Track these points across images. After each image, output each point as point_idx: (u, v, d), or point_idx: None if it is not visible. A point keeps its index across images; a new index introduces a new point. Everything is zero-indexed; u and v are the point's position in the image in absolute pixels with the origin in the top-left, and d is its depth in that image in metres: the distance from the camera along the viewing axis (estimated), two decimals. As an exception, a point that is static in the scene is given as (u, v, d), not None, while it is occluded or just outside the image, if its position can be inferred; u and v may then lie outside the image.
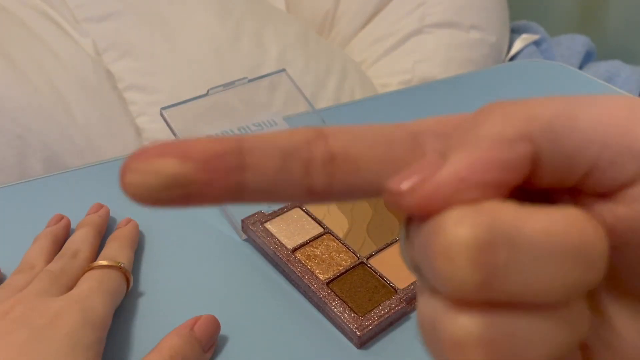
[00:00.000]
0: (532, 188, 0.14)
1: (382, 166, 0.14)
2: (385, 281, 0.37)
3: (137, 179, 0.13)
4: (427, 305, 0.13)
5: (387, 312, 0.35)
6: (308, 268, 0.37)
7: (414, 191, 0.13)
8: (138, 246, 0.40)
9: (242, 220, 0.41)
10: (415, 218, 0.13)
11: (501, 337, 0.12)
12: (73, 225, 0.41)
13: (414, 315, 0.37)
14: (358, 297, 0.36)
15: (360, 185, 0.14)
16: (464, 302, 0.12)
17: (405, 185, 0.13)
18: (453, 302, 0.12)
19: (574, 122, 0.13)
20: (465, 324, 0.12)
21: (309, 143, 0.14)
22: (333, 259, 0.38)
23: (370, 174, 0.14)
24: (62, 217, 0.41)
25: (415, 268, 0.14)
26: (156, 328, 0.34)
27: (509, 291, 0.12)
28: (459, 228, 0.12)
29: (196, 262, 0.40)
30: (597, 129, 0.13)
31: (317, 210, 0.42)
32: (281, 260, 0.38)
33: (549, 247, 0.12)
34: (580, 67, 0.94)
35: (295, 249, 0.39)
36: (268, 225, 0.41)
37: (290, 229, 0.41)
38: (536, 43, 0.95)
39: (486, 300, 0.12)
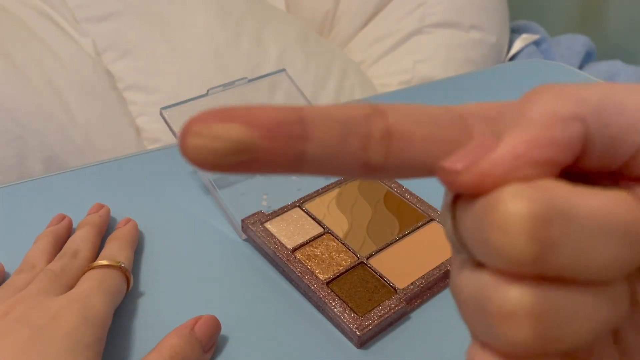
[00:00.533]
0: (576, 171, 0.14)
1: (434, 145, 0.14)
2: (385, 281, 0.37)
3: (201, 142, 0.13)
4: (471, 280, 0.14)
5: (387, 312, 0.35)
6: (308, 268, 0.37)
7: (469, 169, 0.13)
8: (138, 246, 0.40)
9: (242, 220, 0.41)
10: (464, 196, 0.14)
11: (550, 310, 0.12)
12: (74, 225, 0.41)
13: (414, 315, 0.37)
14: (358, 297, 0.36)
15: (413, 162, 0.14)
16: (514, 275, 0.13)
17: (461, 163, 0.13)
18: (503, 275, 0.13)
19: (621, 105, 0.14)
20: (516, 296, 0.12)
21: (368, 118, 0.14)
22: (333, 259, 0.38)
23: (423, 152, 0.14)
24: (63, 217, 0.41)
25: (460, 245, 0.14)
26: (156, 328, 0.34)
27: (561, 266, 0.12)
28: (517, 202, 0.12)
29: (196, 262, 0.40)
30: None
31: (317, 210, 0.42)
32: (281, 260, 0.38)
33: (601, 225, 0.12)
34: (580, 67, 0.94)
35: (295, 249, 0.39)
36: (268, 225, 0.41)
37: (290, 228, 0.41)
38: (536, 43, 0.95)
39: (537, 273, 0.12)
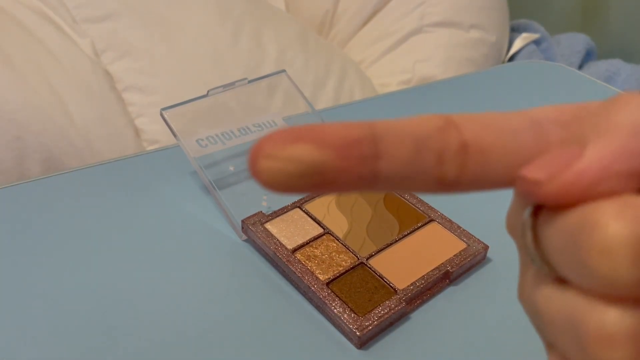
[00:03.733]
0: None
1: (511, 156, 0.14)
2: (385, 281, 0.37)
3: (274, 165, 0.12)
4: (557, 298, 0.13)
5: (387, 313, 0.35)
6: (308, 268, 0.37)
7: (553, 179, 0.13)
8: (138, 245, 0.40)
9: (242, 221, 0.41)
10: (548, 208, 0.13)
11: None
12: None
13: (413, 315, 0.36)
14: (358, 298, 0.36)
15: (489, 175, 0.14)
16: (612, 296, 0.12)
17: (543, 173, 0.13)
18: (600, 296, 0.12)
19: None
20: (615, 318, 0.12)
21: (442, 131, 0.13)
22: (333, 260, 0.38)
23: (500, 164, 0.14)
24: None
25: (542, 260, 0.14)
26: (156, 327, 0.34)
27: None
28: (620, 223, 0.11)
29: (196, 263, 0.40)
30: None
31: (317, 210, 0.42)
32: (281, 261, 0.38)
33: None
34: (581, 66, 0.94)
35: (295, 250, 0.39)
36: (268, 226, 0.40)
37: (290, 229, 0.40)
38: (536, 42, 0.95)
39: (636, 297, 0.12)
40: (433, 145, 0.13)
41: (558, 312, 0.13)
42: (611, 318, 0.12)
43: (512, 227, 0.15)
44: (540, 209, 0.14)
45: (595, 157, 0.13)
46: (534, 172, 0.13)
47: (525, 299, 0.15)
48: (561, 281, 0.13)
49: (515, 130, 0.14)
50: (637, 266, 0.11)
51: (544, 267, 0.14)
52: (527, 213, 0.14)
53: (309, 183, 0.13)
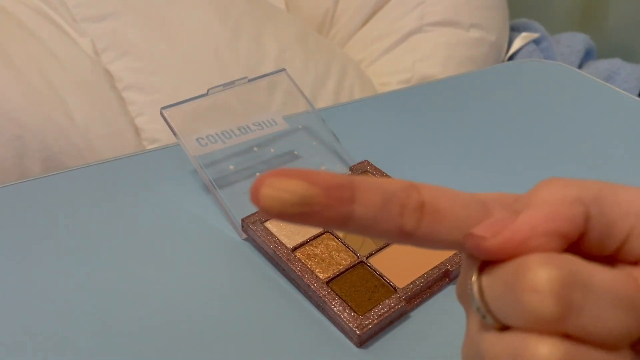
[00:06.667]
0: (579, 255, 0.16)
1: (460, 221, 0.17)
2: (385, 280, 0.37)
3: (272, 193, 0.16)
4: (500, 341, 0.16)
5: (387, 311, 0.35)
6: (308, 267, 0.37)
7: (495, 236, 0.16)
8: (137, 246, 0.40)
9: (242, 220, 0.41)
10: (490, 265, 0.16)
11: None
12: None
13: (413, 314, 0.36)
14: (358, 296, 0.36)
15: (440, 233, 0.17)
16: (543, 331, 0.15)
17: (487, 231, 0.16)
18: (534, 332, 0.15)
19: (615, 196, 0.17)
20: (547, 350, 0.14)
21: (405, 190, 0.17)
22: (333, 258, 0.38)
23: (450, 226, 0.17)
24: None
25: (486, 310, 0.16)
26: (156, 328, 0.34)
27: (581, 327, 0.14)
28: (546, 267, 0.15)
29: (196, 261, 0.40)
30: (634, 204, 0.17)
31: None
32: (281, 260, 0.38)
33: (613, 296, 0.15)
34: (580, 66, 0.94)
35: (295, 248, 0.39)
36: (268, 225, 0.40)
37: (290, 228, 0.41)
38: (536, 41, 0.95)
39: (562, 332, 0.15)
40: (397, 199, 0.17)
41: (501, 351, 0.16)
42: (544, 350, 0.14)
43: (461, 294, 0.19)
44: (484, 268, 0.17)
45: (526, 220, 0.16)
46: (479, 230, 0.17)
47: (469, 349, 0.18)
48: (503, 329, 0.16)
49: (465, 203, 0.17)
50: (559, 303, 0.14)
51: (488, 316, 0.16)
52: (473, 271, 0.17)
53: (297, 212, 0.16)
